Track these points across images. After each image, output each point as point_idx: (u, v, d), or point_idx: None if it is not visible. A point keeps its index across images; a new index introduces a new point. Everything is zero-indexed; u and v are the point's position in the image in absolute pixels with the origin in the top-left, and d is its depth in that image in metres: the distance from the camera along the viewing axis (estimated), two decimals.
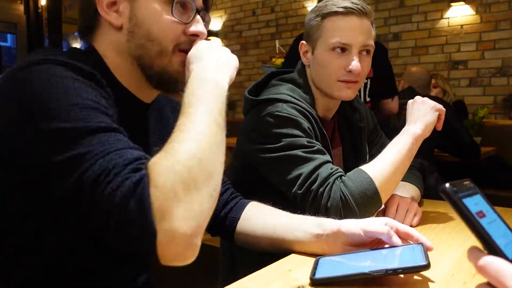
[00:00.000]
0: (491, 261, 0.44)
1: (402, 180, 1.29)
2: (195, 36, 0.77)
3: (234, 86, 5.72)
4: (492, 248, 0.45)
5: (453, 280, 0.72)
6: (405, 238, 0.78)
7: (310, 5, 4.94)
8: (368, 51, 1.16)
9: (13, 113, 0.61)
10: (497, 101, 3.90)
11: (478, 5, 3.95)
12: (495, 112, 3.89)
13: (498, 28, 3.87)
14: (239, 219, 0.93)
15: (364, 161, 1.26)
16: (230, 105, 5.81)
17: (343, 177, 1.03)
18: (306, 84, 1.22)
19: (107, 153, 0.57)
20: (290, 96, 1.14)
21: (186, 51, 0.76)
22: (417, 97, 1.13)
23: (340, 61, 1.14)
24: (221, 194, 0.95)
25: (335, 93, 1.18)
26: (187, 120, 0.64)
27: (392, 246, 0.76)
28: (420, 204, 1.23)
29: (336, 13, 1.13)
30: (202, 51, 0.74)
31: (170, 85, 0.78)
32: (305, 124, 1.10)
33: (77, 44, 9.51)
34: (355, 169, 1.05)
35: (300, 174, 1.03)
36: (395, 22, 4.43)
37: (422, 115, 1.09)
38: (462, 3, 3.98)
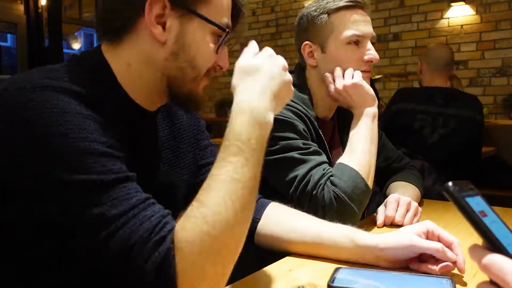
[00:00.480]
0: (494, 259, 0.44)
1: (402, 180, 1.30)
2: (219, 67, 0.78)
3: None
4: (495, 245, 0.45)
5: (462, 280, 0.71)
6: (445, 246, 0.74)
7: (309, 6, 4.93)
8: (373, 44, 1.18)
9: (17, 149, 0.59)
10: (497, 101, 3.90)
11: (478, 5, 3.95)
12: (495, 112, 3.89)
13: (498, 28, 3.87)
14: (259, 219, 0.92)
15: None
16: (230, 105, 5.82)
17: (331, 177, 1.03)
18: (304, 86, 1.22)
19: (124, 221, 0.56)
20: None
21: (210, 77, 0.78)
22: (344, 85, 1.12)
23: (357, 54, 1.15)
24: None
25: None
26: (221, 173, 0.61)
27: (423, 273, 0.72)
28: (420, 204, 1.23)
29: (343, 7, 1.14)
30: (249, 64, 0.70)
31: (191, 106, 0.77)
32: (301, 126, 1.10)
33: (77, 44, 9.51)
34: (337, 164, 1.06)
35: (296, 176, 1.04)
36: (395, 22, 4.43)
37: (363, 95, 1.12)
38: (462, 3, 3.98)
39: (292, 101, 1.15)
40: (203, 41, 0.71)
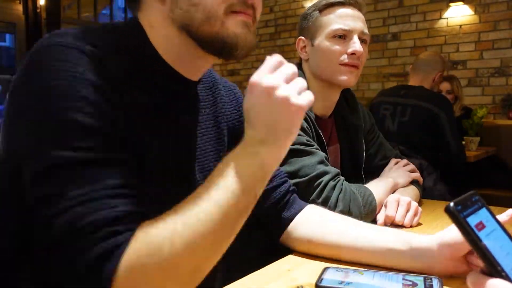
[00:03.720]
0: (493, 284, 0.45)
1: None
2: None
3: None
4: (495, 268, 0.46)
5: (451, 280, 0.72)
6: None
7: (309, 5, 4.94)
8: (364, 41, 1.20)
9: (11, 108, 0.59)
10: (496, 101, 3.91)
11: (477, 5, 3.96)
12: (494, 112, 3.90)
13: (496, 28, 3.87)
14: (290, 220, 0.89)
15: (361, 158, 1.27)
16: None
17: (345, 181, 1.07)
18: None
19: (78, 202, 0.51)
20: None
21: (243, 12, 0.67)
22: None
23: (342, 46, 1.17)
24: (279, 185, 0.91)
25: (337, 78, 1.19)
26: (207, 196, 0.55)
27: (410, 273, 0.72)
28: (420, 204, 1.23)
29: (332, 4, 1.20)
30: (255, 102, 0.59)
31: (225, 50, 0.68)
32: (304, 124, 1.11)
33: None
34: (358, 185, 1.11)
35: (302, 166, 1.05)
36: (394, 22, 4.43)
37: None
38: (461, 3, 3.98)
39: None
40: None
